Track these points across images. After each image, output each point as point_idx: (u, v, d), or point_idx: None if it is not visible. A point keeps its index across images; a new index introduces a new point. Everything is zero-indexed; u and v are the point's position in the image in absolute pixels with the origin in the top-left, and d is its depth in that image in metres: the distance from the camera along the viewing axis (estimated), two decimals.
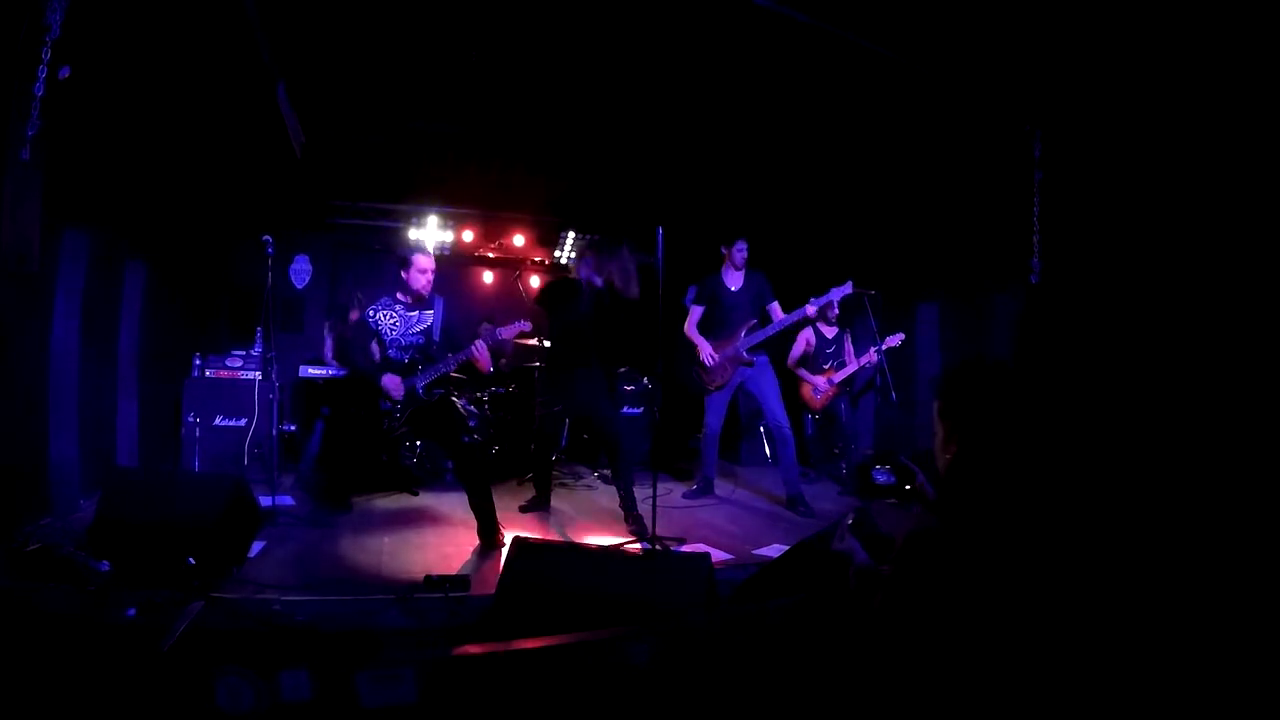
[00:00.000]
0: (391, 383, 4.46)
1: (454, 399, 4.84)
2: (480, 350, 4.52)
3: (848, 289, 5.46)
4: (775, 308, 5.71)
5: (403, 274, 4.57)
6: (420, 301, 4.63)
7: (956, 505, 1.72)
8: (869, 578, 2.11)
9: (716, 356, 5.66)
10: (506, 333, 4.77)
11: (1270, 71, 3.76)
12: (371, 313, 4.58)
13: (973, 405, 1.87)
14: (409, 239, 7.84)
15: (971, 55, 4.91)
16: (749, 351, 5.58)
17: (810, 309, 5.50)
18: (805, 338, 6.69)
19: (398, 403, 4.50)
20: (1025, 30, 4.57)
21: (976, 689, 1.55)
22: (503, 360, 7.43)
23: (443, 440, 4.79)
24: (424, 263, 4.57)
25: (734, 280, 5.77)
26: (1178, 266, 4.25)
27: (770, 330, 5.61)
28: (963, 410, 1.88)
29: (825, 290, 5.55)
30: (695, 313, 5.87)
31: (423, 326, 4.62)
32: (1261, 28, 3.76)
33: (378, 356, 4.55)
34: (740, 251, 5.71)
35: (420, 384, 4.53)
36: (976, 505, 1.69)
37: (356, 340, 4.62)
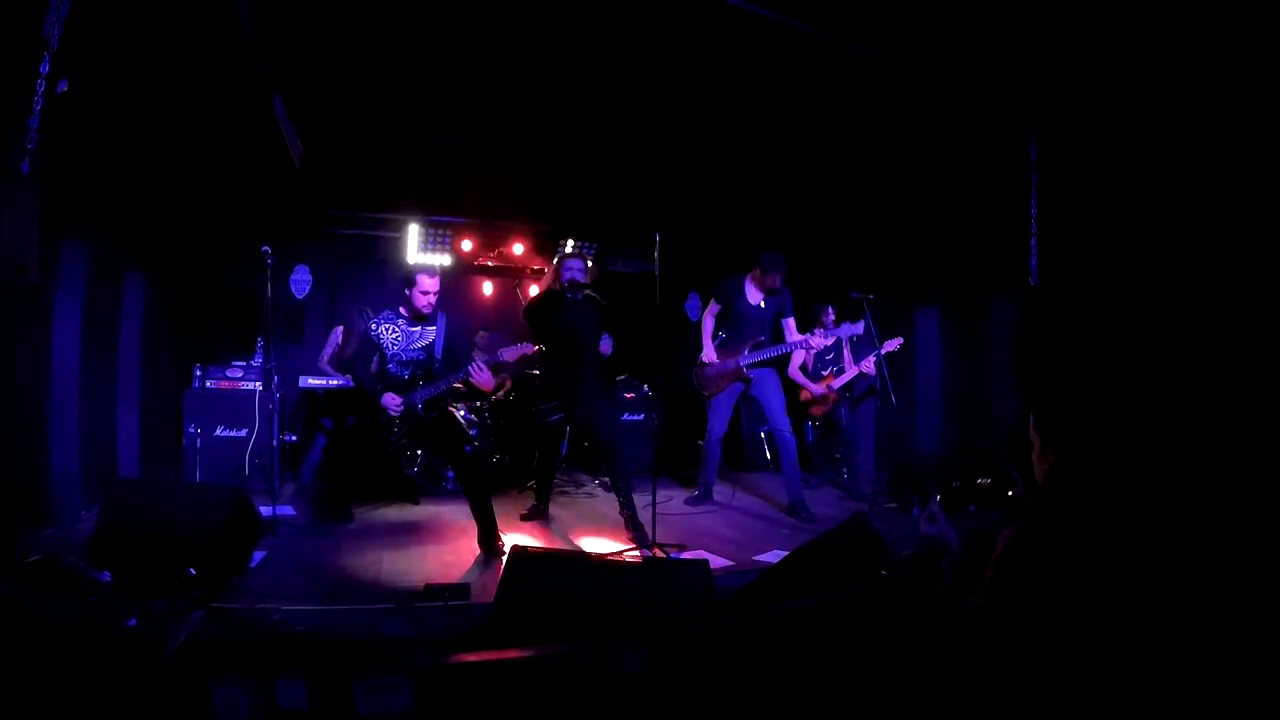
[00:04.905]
0: (391, 401, 4.50)
1: (453, 409, 4.86)
2: (481, 372, 4.56)
3: (859, 329, 5.46)
4: (790, 324, 5.69)
5: (406, 292, 4.60)
6: (422, 318, 4.65)
7: (1064, 510, 1.76)
8: (961, 571, 2.09)
9: (717, 364, 5.66)
10: (509, 354, 4.78)
11: (1266, 70, 3.77)
12: (374, 326, 4.61)
13: (1072, 415, 1.89)
14: (408, 249, 7.84)
15: (966, 59, 4.93)
16: (750, 368, 5.60)
17: (815, 341, 5.54)
18: None
19: (396, 419, 4.53)
20: (1019, 32, 4.59)
21: (1094, 689, 1.57)
22: (503, 376, 7.43)
23: (444, 451, 4.81)
24: (428, 284, 4.58)
25: (755, 294, 5.69)
26: (1176, 266, 4.26)
27: (773, 351, 5.62)
28: (1061, 420, 1.90)
29: (821, 317, 5.58)
30: (713, 308, 5.83)
31: (424, 342, 4.64)
32: (1257, 27, 3.77)
33: (377, 368, 4.58)
34: (774, 278, 5.55)
35: (419, 400, 4.55)
36: (1086, 510, 1.72)
37: (359, 353, 4.65)
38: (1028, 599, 1.69)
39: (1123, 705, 1.56)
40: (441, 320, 4.69)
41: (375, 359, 4.64)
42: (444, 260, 7.95)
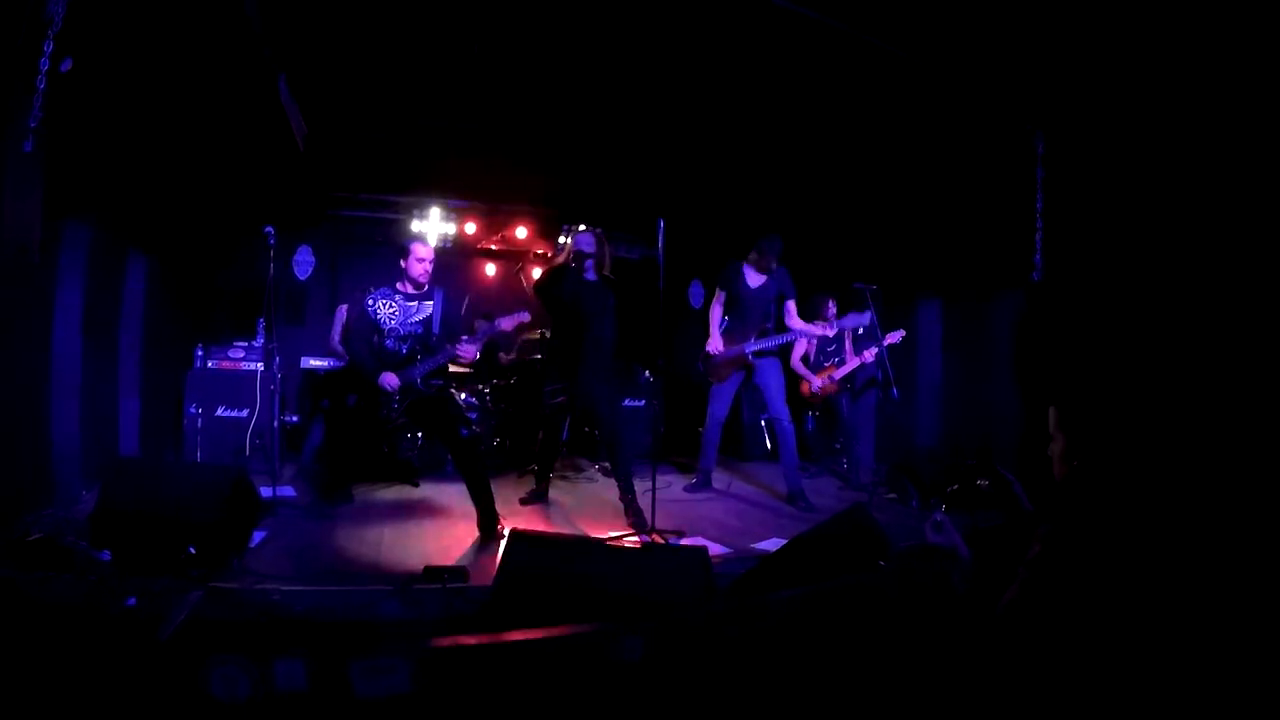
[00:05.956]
0: (388, 380, 4.51)
1: (453, 391, 4.86)
2: (464, 349, 4.62)
3: (865, 319, 5.45)
4: (791, 306, 5.69)
5: (402, 262, 4.66)
6: (420, 291, 4.67)
7: (1097, 505, 1.77)
8: (969, 574, 2.11)
9: (723, 352, 5.65)
10: (507, 323, 4.78)
11: (1270, 69, 3.75)
12: (371, 302, 4.63)
13: (1100, 412, 1.89)
14: (411, 231, 7.83)
15: (975, 54, 4.90)
16: (754, 356, 5.60)
17: (818, 329, 5.58)
18: None
19: (395, 395, 4.53)
20: (1028, 29, 4.56)
21: (1144, 678, 1.58)
22: (502, 354, 7.41)
23: (442, 433, 4.82)
24: (422, 252, 4.63)
25: (755, 278, 5.70)
26: (1180, 263, 4.25)
27: (777, 340, 5.64)
28: (1089, 418, 1.90)
29: (823, 310, 5.58)
30: (719, 296, 5.81)
31: (422, 316, 4.65)
32: (1261, 26, 3.75)
33: (375, 345, 4.59)
34: (770, 259, 5.60)
35: (418, 375, 4.56)
36: (1119, 505, 1.73)
37: (358, 331, 4.66)
38: (1067, 594, 1.69)
39: (1157, 699, 1.57)
40: (438, 295, 4.71)
41: (374, 336, 4.65)
42: (449, 229, 7.97)
